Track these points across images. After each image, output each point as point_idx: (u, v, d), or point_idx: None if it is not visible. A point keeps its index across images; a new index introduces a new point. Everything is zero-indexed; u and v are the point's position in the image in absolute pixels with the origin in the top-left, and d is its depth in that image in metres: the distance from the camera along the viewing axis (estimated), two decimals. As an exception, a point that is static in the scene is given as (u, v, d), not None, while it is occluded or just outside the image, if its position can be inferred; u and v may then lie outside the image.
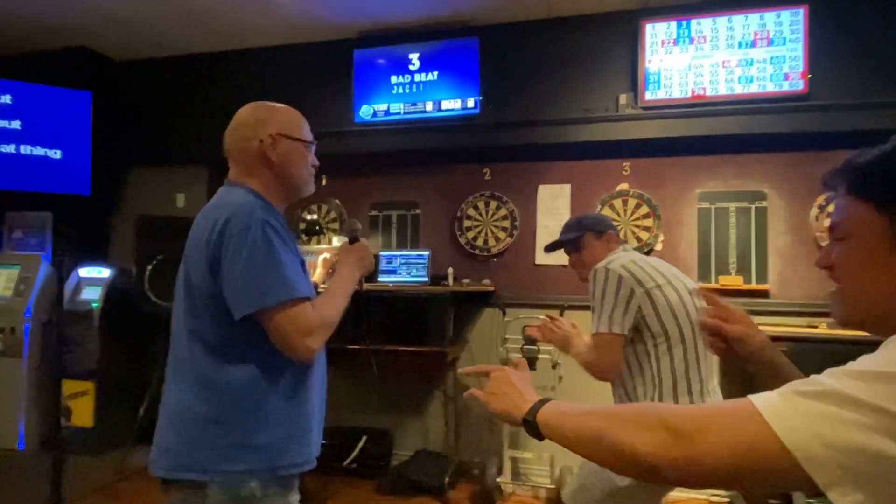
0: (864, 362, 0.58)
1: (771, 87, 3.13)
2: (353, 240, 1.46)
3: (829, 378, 0.58)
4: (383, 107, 3.71)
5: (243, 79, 4.04)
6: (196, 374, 1.20)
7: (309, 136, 1.38)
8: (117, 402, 3.71)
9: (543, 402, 0.82)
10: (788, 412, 0.57)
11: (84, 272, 3.79)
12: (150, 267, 3.67)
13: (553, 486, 3.06)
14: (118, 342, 3.80)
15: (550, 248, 2.01)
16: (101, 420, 3.63)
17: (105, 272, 3.80)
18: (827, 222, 3.12)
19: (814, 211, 3.17)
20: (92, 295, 3.71)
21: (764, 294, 3.20)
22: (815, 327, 2.92)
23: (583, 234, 1.86)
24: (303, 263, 1.28)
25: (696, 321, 1.56)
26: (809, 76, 3.07)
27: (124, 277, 3.79)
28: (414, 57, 3.67)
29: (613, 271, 1.65)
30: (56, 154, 3.91)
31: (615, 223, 3.38)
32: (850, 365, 0.58)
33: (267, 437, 1.19)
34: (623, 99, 3.35)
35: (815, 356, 2.57)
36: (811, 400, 0.57)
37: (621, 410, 0.71)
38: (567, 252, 1.95)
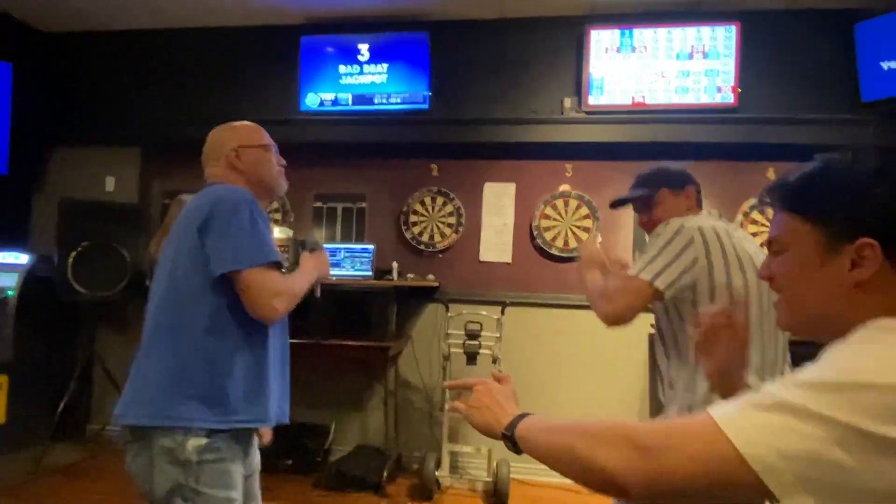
0: (812, 372, 0.61)
1: (705, 99, 3.31)
2: (311, 249, 1.62)
3: (781, 390, 0.60)
4: (330, 96, 3.65)
5: (182, 59, 3.86)
6: (167, 341, 1.31)
7: (268, 141, 1.54)
8: (33, 396, 3.47)
9: (523, 416, 0.83)
10: (745, 425, 0.59)
11: (-1, 257, 3.52)
12: (74, 253, 3.45)
13: (490, 480, 3.12)
14: (36, 333, 3.56)
15: (617, 204, 1.74)
16: (14, 416, 3.39)
17: (23, 258, 3.53)
18: (750, 228, 3.33)
19: (739, 217, 3.37)
20: (7, 282, 3.45)
21: (692, 294, 3.38)
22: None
23: (657, 191, 1.61)
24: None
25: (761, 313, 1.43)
26: (739, 90, 3.26)
27: (45, 264, 3.54)
28: (363, 47, 3.62)
29: (688, 229, 1.42)
30: (-32, 128, 3.60)
31: (555, 223, 3.52)
32: (799, 375, 0.61)
33: (221, 393, 1.29)
34: (568, 102, 3.44)
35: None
36: (765, 412, 0.59)
37: (592, 427, 0.71)
38: (636, 210, 1.70)
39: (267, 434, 1.59)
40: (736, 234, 1.49)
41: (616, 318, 1.50)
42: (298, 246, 1.61)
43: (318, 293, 1.67)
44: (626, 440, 0.66)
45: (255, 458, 1.51)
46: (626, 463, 0.64)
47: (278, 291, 1.33)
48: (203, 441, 1.26)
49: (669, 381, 1.57)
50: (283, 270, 1.42)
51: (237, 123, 1.55)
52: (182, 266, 1.33)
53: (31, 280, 3.50)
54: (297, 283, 1.45)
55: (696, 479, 0.61)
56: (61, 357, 3.78)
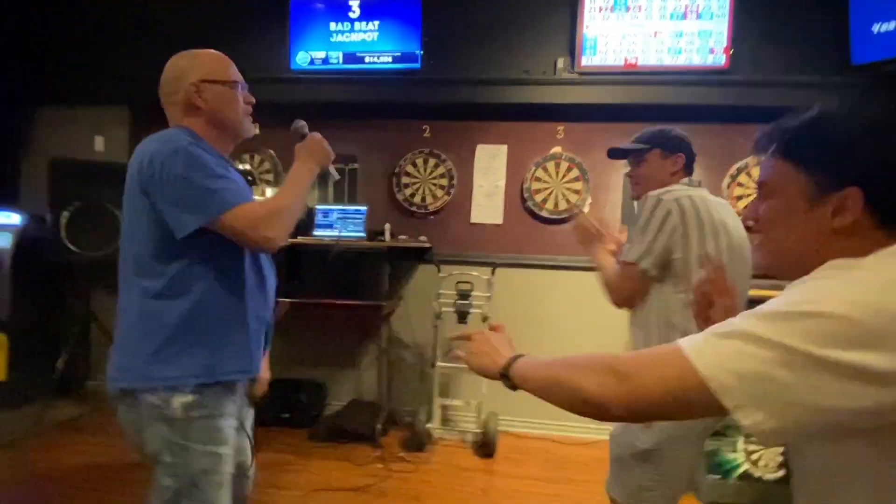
0: (770, 304, 0.68)
1: (697, 60, 3.30)
2: (301, 137, 1.47)
3: (741, 320, 0.68)
4: (321, 54, 3.60)
5: (171, 16, 3.77)
6: (141, 303, 1.26)
7: (235, 77, 1.39)
8: (32, 355, 3.53)
9: (517, 357, 0.92)
10: (707, 350, 0.67)
11: (-10, 217, 3.52)
12: (66, 213, 3.45)
13: (479, 431, 3.25)
14: (31, 292, 3.60)
15: (615, 154, 1.81)
16: (15, 374, 3.46)
17: (15, 217, 3.54)
18: (736, 190, 3.39)
19: (726, 180, 3.42)
20: (1, 242, 3.46)
21: (678, 256, 3.46)
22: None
23: (650, 149, 1.69)
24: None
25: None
26: (732, 52, 3.26)
27: (37, 224, 3.55)
28: (354, 4, 3.55)
29: (664, 203, 1.52)
30: (-49, 86, 3.53)
31: (546, 185, 3.56)
32: (759, 307, 0.68)
33: (203, 349, 1.27)
34: (560, 63, 3.42)
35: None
36: (724, 339, 0.67)
37: (577, 359, 0.79)
38: (629, 163, 1.78)
39: (263, 384, 1.55)
40: (712, 200, 1.58)
41: (624, 305, 1.62)
42: (298, 136, 1.48)
43: (335, 175, 1.57)
44: (605, 367, 0.74)
45: (247, 411, 1.49)
46: (605, 387, 0.73)
47: (259, 219, 1.24)
48: (190, 398, 1.24)
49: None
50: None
51: (200, 51, 1.37)
52: (138, 227, 1.27)
53: (25, 240, 3.52)
54: (281, 197, 1.34)
55: (665, 399, 0.69)
56: (58, 316, 3.82)
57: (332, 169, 1.53)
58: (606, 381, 0.73)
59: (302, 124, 1.50)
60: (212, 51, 1.39)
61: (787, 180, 0.78)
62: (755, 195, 0.85)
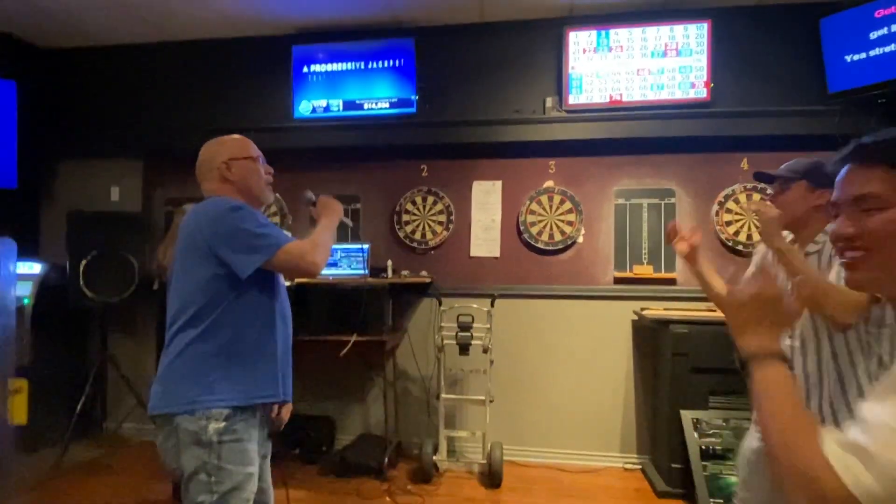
0: None
1: (679, 94, 3.46)
2: (313, 204, 1.78)
3: None
4: (322, 103, 3.80)
5: (179, 71, 4.02)
6: (185, 338, 1.47)
7: (255, 153, 1.67)
8: (51, 399, 3.66)
9: (776, 357, 0.79)
10: None
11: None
12: (84, 262, 3.63)
13: (484, 462, 3.31)
14: (51, 338, 3.74)
15: (761, 177, 1.80)
16: (35, 417, 3.58)
17: (36, 267, 3.71)
18: (725, 217, 3.49)
19: (714, 207, 3.53)
20: (23, 291, 3.62)
21: (672, 282, 3.56)
22: (714, 311, 3.27)
23: (795, 181, 1.66)
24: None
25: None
26: (712, 85, 3.41)
27: (56, 273, 3.73)
28: (353, 54, 3.77)
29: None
30: (-22, 145, 3.76)
31: (541, 218, 3.69)
32: None
33: (238, 376, 1.47)
34: (549, 102, 3.59)
35: (712, 334, 2.99)
36: None
37: (806, 431, 0.69)
38: (773, 187, 1.75)
39: (286, 413, 1.72)
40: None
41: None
42: (308, 203, 1.81)
43: (349, 222, 1.92)
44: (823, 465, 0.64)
45: (267, 443, 1.68)
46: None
47: (306, 251, 1.52)
48: (222, 424, 1.43)
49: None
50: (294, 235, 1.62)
51: (226, 138, 1.67)
52: (190, 274, 1.49)
53: (45, 288, 3.68)
54: (320, 234, 1.62)
55: None
56: (76, 360, 3.97)
57: (345, 219, 1.83)
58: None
59: (310, 194, 1.80)
60: (235, 135, 1.68)
61: None
62: (848, 209, 0.79)
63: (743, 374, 0.80)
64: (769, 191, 1.80)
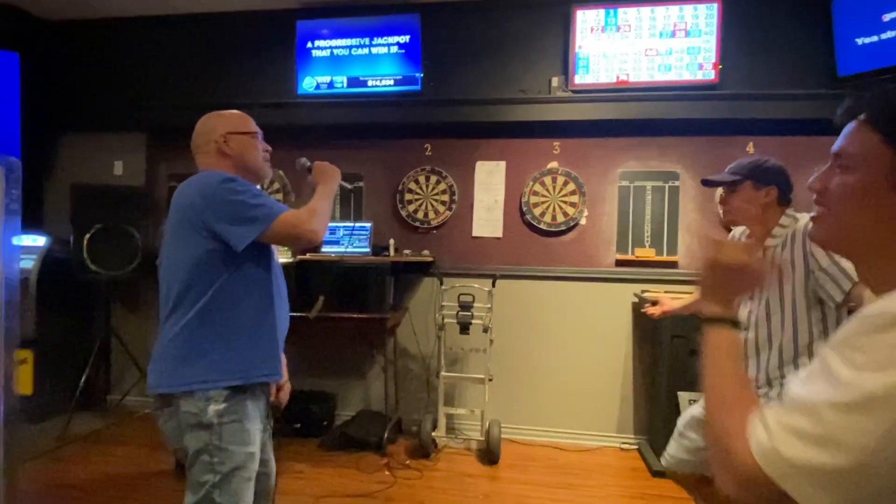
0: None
1: (686, 76, 3.42)
2: (308, 170, 1.72)
3: None
4: (326, 79, 3.77)
5: (183, 45, 3.99)
6: (181, 317, 1.45)
7: (254, 129, 1.63)
8: (56, 370, 3.71)
9: (729, 323, 0.82)
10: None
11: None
12: (87, 235, 3.65)
13: (483, 439, 3.35)
14: (56, 311, 3.78)
15: (708, 184, 1.89)
16: (40, 389, 3.63)
17: (40, 240, 3.74)
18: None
19: (719, 191, 3.51)
20: (27, 263, 3.66)
21: (673, 265, 3.56)
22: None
23: (742, 181, 1.73)
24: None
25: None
26: (720, 67, 3.37)
27: (60, 246, 3.75)
28: (358, 31, 3.73)
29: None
30: (-19, 117, 3.75)
31: (544, 199, 3.68)
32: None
33: (237, 354, 1.46)
34: (555, 81, 3.56)
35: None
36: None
37: (740, 399, 0.71)
38: (723, 191, 1.83)
39: (285, 394, 1.73)
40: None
41: None
42: (303, 171, 1.74)
43: (347, 185, 1.89)
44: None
45: (268, 420, 1.67)
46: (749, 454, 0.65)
47: (303, 219, 1.48)
48: (222, 406, 1.42)
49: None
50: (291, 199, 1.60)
51: (225, 112, 1.63)
52: (183, 249, 1.45)
53: (49, 261, 3.71)
54: (317, 201, 1.58)
55: None
56: (80, 333, 4.01)
57: (344, 182, 1.79)
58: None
59: (304, 160, 1.74)
60: (234, 110, 1.64)
61: (872, 155, 0.70)
62: (830, 164, 0.76)
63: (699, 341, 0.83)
64: (722, 197, 1.85)
